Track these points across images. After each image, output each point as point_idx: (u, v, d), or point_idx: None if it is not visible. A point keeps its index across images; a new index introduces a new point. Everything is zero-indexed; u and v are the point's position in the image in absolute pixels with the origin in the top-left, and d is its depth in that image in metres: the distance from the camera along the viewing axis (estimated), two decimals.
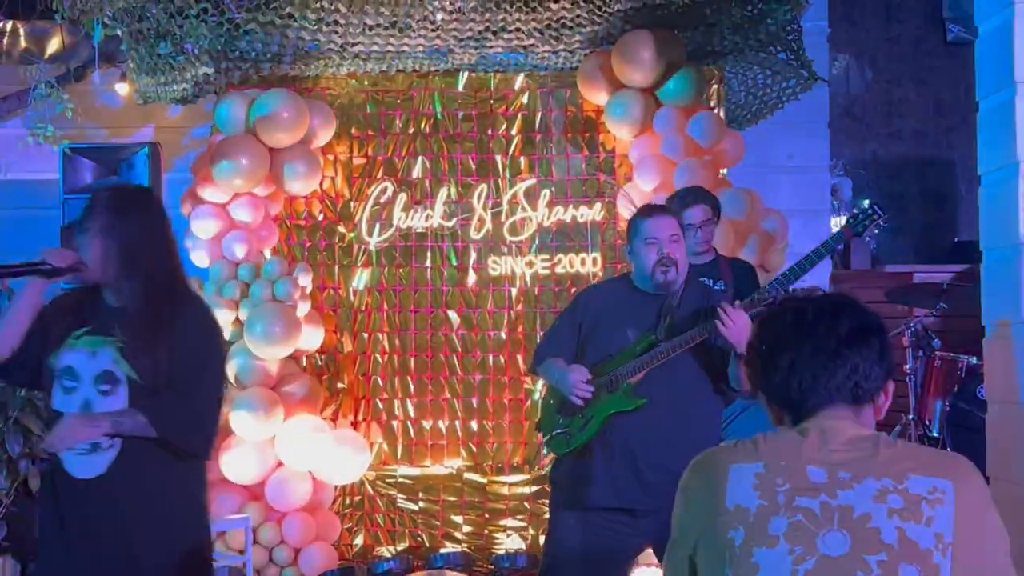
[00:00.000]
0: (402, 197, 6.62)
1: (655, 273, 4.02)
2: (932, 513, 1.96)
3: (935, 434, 6.53)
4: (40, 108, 6.99)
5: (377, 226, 6.63)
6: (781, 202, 6.45)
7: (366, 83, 6.68)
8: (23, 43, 7.31)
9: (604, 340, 4.12)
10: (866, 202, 4.43)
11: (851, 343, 2.13)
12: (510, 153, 6.65)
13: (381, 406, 6.62)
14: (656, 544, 4.06)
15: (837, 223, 8.41)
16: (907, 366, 6.57)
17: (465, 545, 6.46)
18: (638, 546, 4.14)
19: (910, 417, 6.55)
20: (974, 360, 6.32)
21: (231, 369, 6.20)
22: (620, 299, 4.19)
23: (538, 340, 6.47)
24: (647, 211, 4.19)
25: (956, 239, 8.43)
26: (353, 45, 6.27)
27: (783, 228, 6.27)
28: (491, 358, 6.57)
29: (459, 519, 6.51)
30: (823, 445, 2.06)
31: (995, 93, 4.14)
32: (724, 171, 6.33)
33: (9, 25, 7.22)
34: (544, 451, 4.24)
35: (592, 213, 6.56)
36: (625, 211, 6.35)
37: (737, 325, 3.83)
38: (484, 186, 6.61)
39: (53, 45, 7.28)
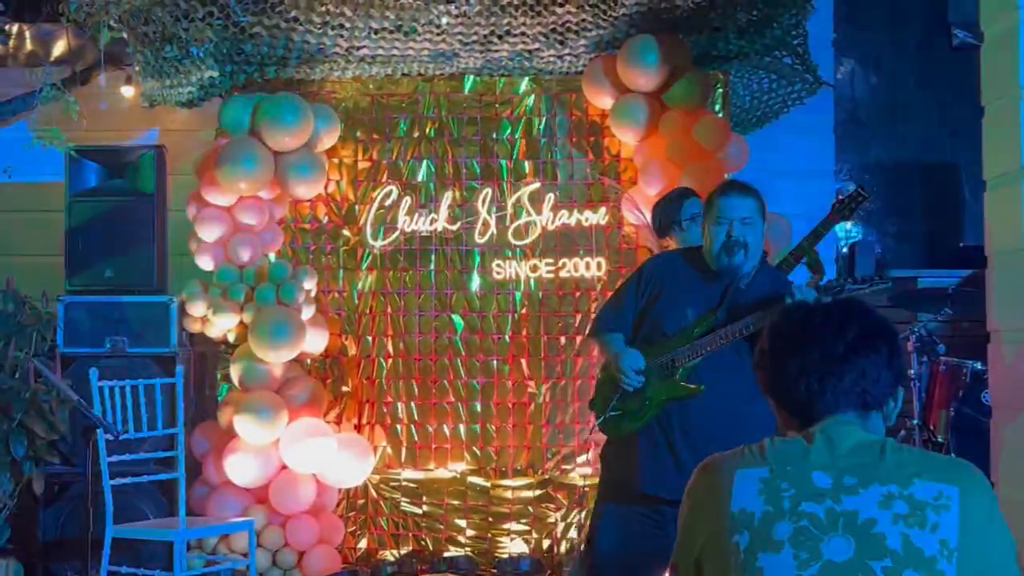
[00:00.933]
0: (406, 201, 6.62)
1: (720, 255, 3.91)
2: (937, 519, 1.95)
3: (940, 439, 6.51)
4: (46, 111, 7.00)
5: (381, 229, 6.63)
6: (785, 206, 6.43)
7: (371, 87, 6.68)
8: (29, 45, 7.33)
9: (662, 317, 4.03)
10: (853, 185, 4.43)
11: (860, 348, 2.12)
12: (515, 157, 6.65)
13: (385, 409, 6.62)
14: None
15: (842, 228, 8.40)
16: (912, 371, 6.56)
17: (468, 549, 6.46)
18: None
19: (915, 422, 6.54)
20: (979, 365, 6.30)
21: (235, 372, 6.21)
22: (686, 275, 4.08)
23: (543, 344, 6.52)
24: (723, 187, 4.07)
25: (961, 244, 8.41)
26: (358, 49, 6.27)
27: (787, 232, 6.26)
28: (495, 362, 6.57)
29: (463, 523, 6.51)
30: (829, 450, 2.05)
31: (1000, 98, 4.14)
32: (728, 175, 6.33)
33: (15, 28, 7.23)
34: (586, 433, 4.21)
35: (597, 217, 6.55)
36: (630, 215, 6.35)
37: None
38: (488, 190, 6.61)
39: (59, 48, 7.29)
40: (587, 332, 4.40)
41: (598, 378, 4.34)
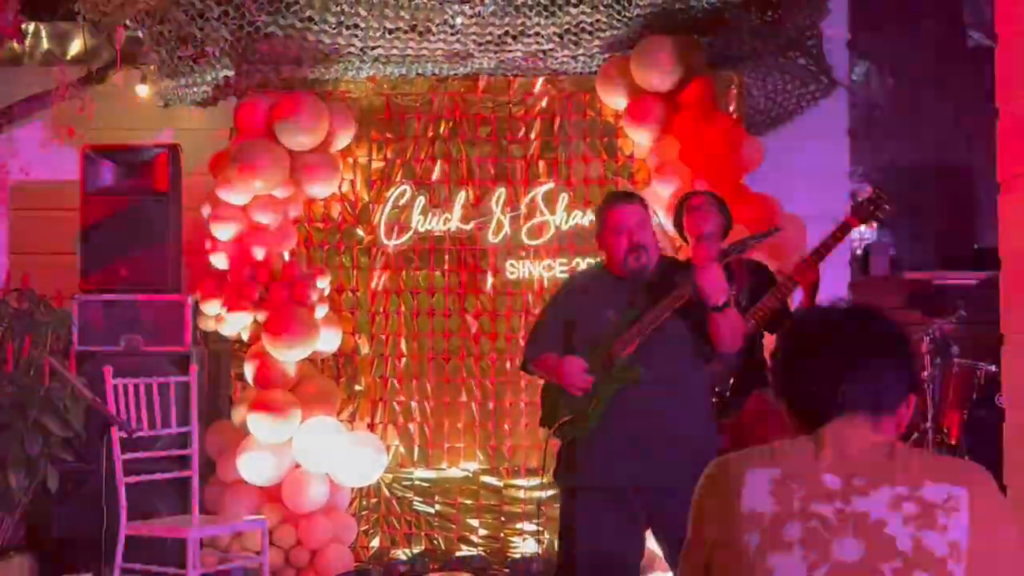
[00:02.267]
0: (420, 200, 6.64)
1: (627, 260, 4.16)
2: (947, 520, 1.96)
3: (953, 442, 6.50)
4: (61, 109, 7.03)
5: (395, 229, 6.65)
6: (800, 208, 6.41)
7: (385, 86, 6.70)
8: (46, 44, 7.35)
9: (589, 326, 4.22)
10: (865, 187, 4.42)
11: (873, 353, 2.13)
12: (529, 157, 6.66)
13: (398, 408, 6.64)
14: (654, 526, 4.17)
15: (856, 230, 8.38)
16: (925, 373, 6.54)
17: (481, 548, 6.47)
18: (637, 529, 4.20)
19: (928, 425, 6.52)
20: (993, 367, 6.29)
21: (249, 371, 6.23)
22: (597, 285, 4.33)
23: None
24: (612, 200, 4.35)
25: (976, 245, 8.39)
26: (373, 49, 6.28)
27: (802, 234, 6.24)
28: (508, 362, 6.58)
29: (475, 522, 6.52)
30: (839, 452, 2.05)
31: (1015, 99, 4.13)
32: (743, 177, 6.32)
33: (32, 26, 7.26)
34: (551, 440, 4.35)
35: None
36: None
37: (713, 277, 3.97)
38: (502, 190, 6.62)
39: (75, 47, 7.32)
40: (522, 362, 4.53)
41: (542, 392, 4.45)
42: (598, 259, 4.56)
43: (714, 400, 4.80)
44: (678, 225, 5.17)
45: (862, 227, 4.78)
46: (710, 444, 4.13)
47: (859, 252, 8.35)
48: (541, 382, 4.48)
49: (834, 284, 5.48)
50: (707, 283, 3.97)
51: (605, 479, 4.13)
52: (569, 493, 4.29)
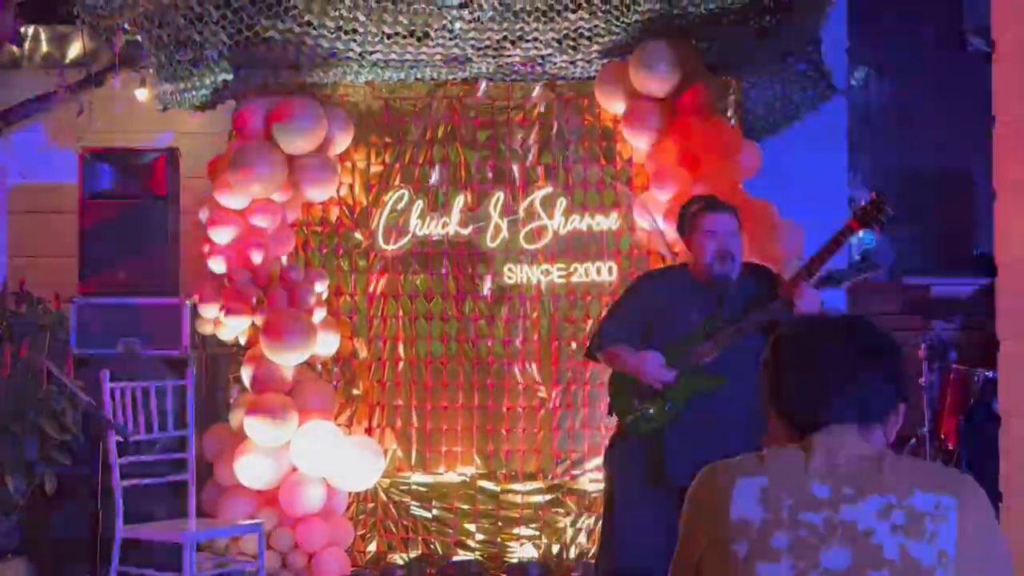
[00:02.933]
0: (419, 204, 6.64)
1: (713, 264, 4.30)
2: (935, 528, 1.96)
3: (950, 448, 6.49)
4: (60, 112, 7.04)
5: (394, 233, 6.65)
6: (798, 213, 6.42)
7: (384, 91, 6.70)
8: (44, 48, 7.36)
9: (668, 326, 4.32)
10: (874, 193, 4.43)
11: (862, 362, 2.14)
12: (527, 162, 6.66)
13: (395, 413, 6.64)
14: None
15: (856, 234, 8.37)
16: (923, 379, 6.54)
17: (478, 553, 6.47)
18: None
19: (925, 430, 6.52)
20: (990, 374, 6.28)
21: (246, 374, 6.23)
22: (680, 286, 4.44)
23: (553, 348, 6.52)
24: (709, 205, 4.46)
25: (975, 251, 8.39)
26: (371, 53, 6.29)
27: (800, 239, 6.24)
28: (506, 366, 6.58)
29: (472, 527, 6.52)
30: (828, 461, 2.06)
31: (1012, 107, 4.13)
32: (741, 182, 6.32)
33: (31, 29, 7.27)
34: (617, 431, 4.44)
35: (608, 222, 6.56)
36: (642, 220, 6.35)
37: (812, 304, 4.15)
38: (500, 194, 6.62)
39: (74, 50, 7.32)
40: (590, 347, 4.58)
41: (611, 382, 4.52)
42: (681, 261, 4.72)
43: None
44: (685, 229, 5.07)
45: (860, 232, 4.76)
46: None
47: (857, 257, 8.34)
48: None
49: (831, 289, 5.48)
50: (808, 307, 4.13)
51: (667, 478, 4.17)
52: (624, 482, 4.38)
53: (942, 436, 6.56)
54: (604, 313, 4.81)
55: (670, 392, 4.26)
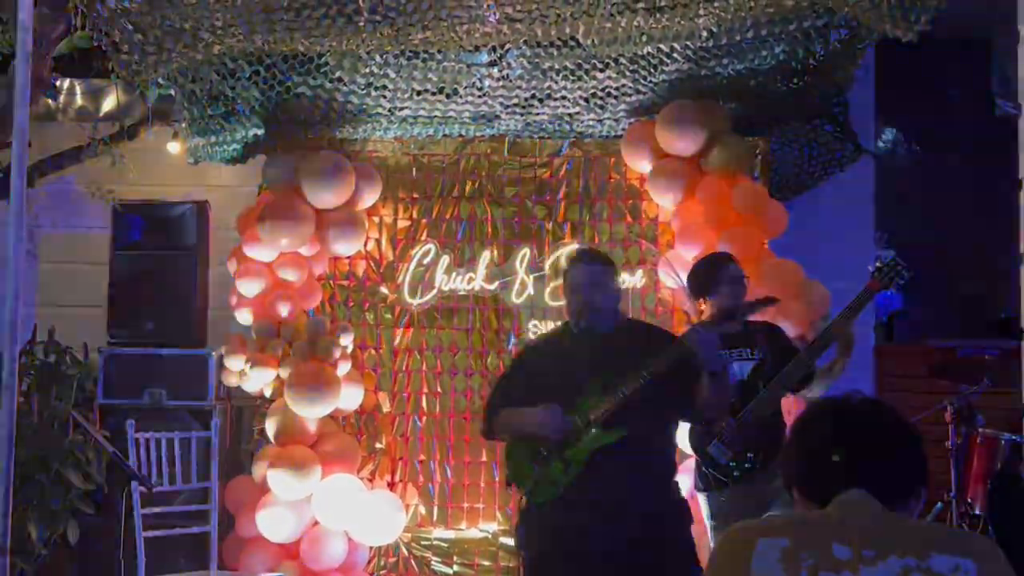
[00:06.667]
0: (445, 259, 6.67)
1: (579, 320, 4.21)
2: None
3: (977, 512, 6.42)
4: (94, 164, 7.14)
5: (419, 288, 6.68)
6: (824, 273, 6.42)
7: (412, 147, 6.75)
8: (79, 101, 7.48)
9: (555, 386, 4.12)
10: (891, 253, 4.45)
11: (886, 437, 2.17)
12: (553, 218, 6.69)
13: (418, 467, 6.63)
14: None
15: (882, 297, 8.36)
16: (949, 443, 6.48)
17: None
18: None
19: (951, 495, 6.45)
20: (1017, 438, 6.23)
21: (270, 427, 6.24)
22: (562, 345, 4.32)
23: None
24: (573, 258, 4.42)
25: (1002, 315, 8.35)
26: (401, 109, 6.36)
27: (825, 299, 6.24)
28: None
29: None
30: (849, 523, 2.06)
31: None
32: (767, 241, 6.33)
33: (66, 83, 7.39)
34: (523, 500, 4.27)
35: (634, 280, 6.57)
36: (667, 279, 6.35)
37: (708, 340, 3.95)
38: (527, 250, 6.65)
39: (108, 103, 7.44)
40: (484, 424, 4.38)
41: (506, 452, 4.31)
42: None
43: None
44: (705, 288, 5.08)
45: (878, 292, 4.78)
46: (677, 519, 4.12)
47: (883, 319, 8.32)
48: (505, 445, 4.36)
49: (858, 351, 5.45)
50: (708, 347, 3.95)
51: (576, 545, 4.00)
52: (535, 559, 4.20)
53: (969, 501, 6.49)
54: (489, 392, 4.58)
55: (569, 452, 4.04)
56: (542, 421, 4.06)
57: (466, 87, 6.18)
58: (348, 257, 6.70)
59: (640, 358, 4.02)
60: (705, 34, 5.71)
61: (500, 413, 4.27)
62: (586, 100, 6.29)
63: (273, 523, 6.13)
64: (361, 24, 5.58)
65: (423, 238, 6.73)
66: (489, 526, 6.55)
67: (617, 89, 6.19)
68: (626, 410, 4.00)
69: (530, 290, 6.63)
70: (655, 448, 4.15)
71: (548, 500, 4.11)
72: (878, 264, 4.78)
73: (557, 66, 6.01)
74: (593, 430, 4.04)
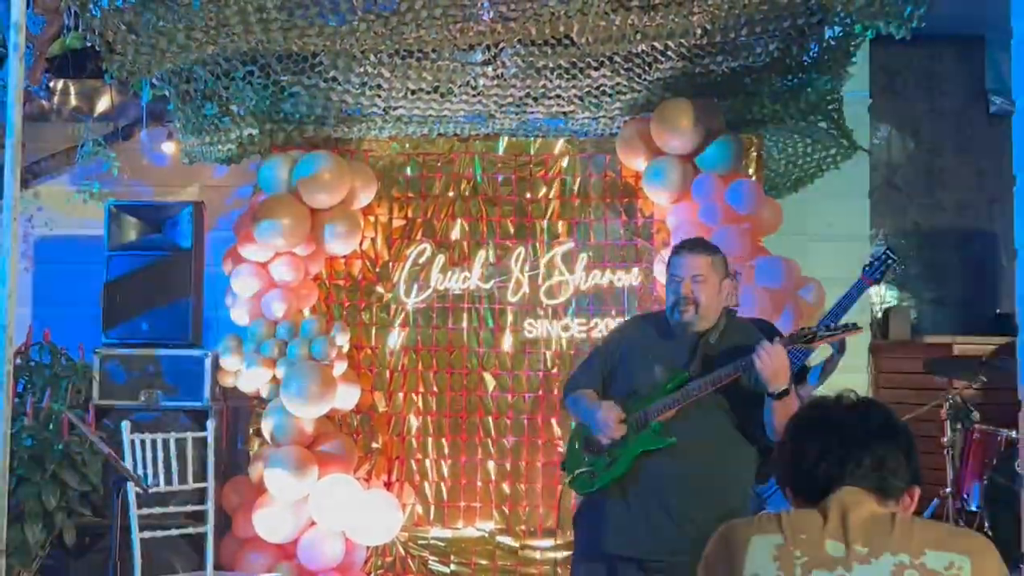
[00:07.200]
0: (440, 259, 6.67)
1: (672, 312, 3.94)
2: None
3: (973, 508, 6.43)
4: (88, 165, 7.13)
5: (415, 287, 6.68)
6: (819, 270, 6.42)
7: (407, 146, 6.75)
8: (73, 101, 7.47)
9: (632, 376, 4.01)
10: (881, 248, 4.44)
11: (879, 436, 2.18)
12: (548, 217, 6.69)
13: (415, 467, 6.63)
14: None
15: (877, 293, 8.38)
16: (945, 439, 6.49)
17: None
18: None
19: (948, 490, 6.46)
20: (1013, 434, 6.23)
21: (267, 427, 6.24)
22: (651, 335, 4.07)
23: None
24: (676, 247, 4.11)
25: (997, 311, 8.36)
26: (395, 109, 6.36)
27: (820, 296, 6.24)
28: (525, 421, 6.57)
29: None
30: (842, 521, 2.07)
31: None
32: (762, 239, 6.33)
33: (60, 84, 7.38)
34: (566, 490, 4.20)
35: (629, 278, 6.57)
36: (662, 277, 6.35)
37: (774, 361, 3.66)
38: (522, 249, 6.65)
39: (102, 104, 7.43)
40: (560, 399, 4.35)
41: (570, 435, 4.27)
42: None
43: None
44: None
45: (882, 288, 4.77)
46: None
47: (879, 315, 8.32)
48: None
49: (853, 347, 5.44)
50: (768, 371, 3.66)
51: (601, 544, 3.95)
52: (581, 557, 4.14)
53: (964, 496, 6.50)
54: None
55: (617, 450, 3.92)
56: (599, 419, 3.93)
57: (461, 86, 6.17)
58: (343, 257, 6.70)
59: (725, 364, 3.81)
60: (699, 32, 5.71)
61: (575, 392, 4.14)
62: (580, 98, 6.29)
63: (270, 523, 6.13)
64: (355, 23, 5.58)
65: (419, 237, 6.73)
66: (486, 525, 6.55)
67: (612, 87, 6.18)
68: (685, 419, 3.84)
69: (525, 289, 6.62)
70: (704, 464, 3.84)
71: (584, 492, 4.08)
72: (870, 258, 4.77)
73: (551, 64, 6.00)
74: (643, 433, 3.89)
